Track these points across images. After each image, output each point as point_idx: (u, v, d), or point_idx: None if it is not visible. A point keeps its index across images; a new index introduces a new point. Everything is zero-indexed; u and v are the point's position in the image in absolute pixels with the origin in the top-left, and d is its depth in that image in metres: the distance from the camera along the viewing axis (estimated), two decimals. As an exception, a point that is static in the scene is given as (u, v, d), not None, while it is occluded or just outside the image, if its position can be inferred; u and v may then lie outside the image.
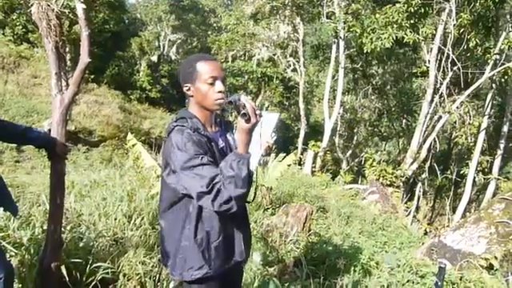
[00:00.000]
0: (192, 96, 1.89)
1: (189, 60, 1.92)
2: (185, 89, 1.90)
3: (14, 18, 19.48)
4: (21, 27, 19.61)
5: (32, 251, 3.01)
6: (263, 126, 1.85)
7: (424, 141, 13.12)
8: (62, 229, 2.90)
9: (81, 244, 3.29)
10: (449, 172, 17.23)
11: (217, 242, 1.88)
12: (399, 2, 11.88)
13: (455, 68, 12.36)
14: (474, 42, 11.89)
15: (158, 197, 2.07)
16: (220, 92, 1.83)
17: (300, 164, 15.75)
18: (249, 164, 1.67)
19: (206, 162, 1.70)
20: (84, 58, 2.69)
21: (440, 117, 12.88)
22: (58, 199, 2.69)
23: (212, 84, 1.82)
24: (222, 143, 1.97)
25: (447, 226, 12.71)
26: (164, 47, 29.67)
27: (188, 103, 1.94)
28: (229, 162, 1.65)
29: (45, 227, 2.95)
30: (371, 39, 12.14)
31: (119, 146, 13.05)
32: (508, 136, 14.77)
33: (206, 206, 1.68)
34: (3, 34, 19.27)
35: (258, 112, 1.66)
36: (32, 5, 2.75)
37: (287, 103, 24.80)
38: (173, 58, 29.85)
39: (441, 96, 12.80)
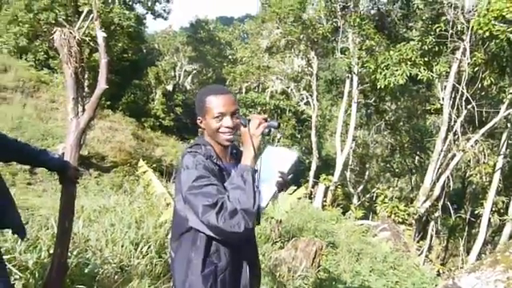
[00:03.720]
0: (204, 129, 1.89)
1: (200, 93, 1.91)
2: (198, 121, 1.90)
3: (37, 44, 20.16)
4: (42, 53, 20.26)
5: (37, 275, 2.97)
6: (279, 161, 1.82)
7: (437, 178, 12.91)
8: (69, 253, 2.87)
9: (86, 270, 3.24)
10: (463, 211, 16.84)
11: (223, 275, 1.82)
12: (413, 40, 12.01)
13: (469, 106, 12.30)
14: (489, 81, 11.87)
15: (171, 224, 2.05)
16: (228, 127, 1.80)
17: (310, 197, 15.57)
18: (254, 175, 1.66)
19: (214, 182, 1.68)
20: (101, 84, 2.74)
21: (454, 155, 12.71)
22: (66, 223, 2.67)
23: (220, 119, 1.80)
24: None
25: (461, 268, 12.29)
26: (179, 77, 30.27)
27: (203, 133, 1.94)
28: (233, 176, 1.69)
29: (51, 251, 2.92)
30: (385, 75, 12.23)
31: (130, 173, 13.07)
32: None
33: (211, 221, 1.59)
34: (26, 59, 19.91)
35: (264, 124, 1.69)
36: (55, 32, 2.84)
37: (299, 136, 24.85)
38: (188, 87, 30.38)
39: (455, 134, 12.69)
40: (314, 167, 18.64)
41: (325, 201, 15.59)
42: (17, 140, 2.39)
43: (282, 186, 1.86)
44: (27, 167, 10.24)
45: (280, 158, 1.84)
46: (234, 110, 1.82)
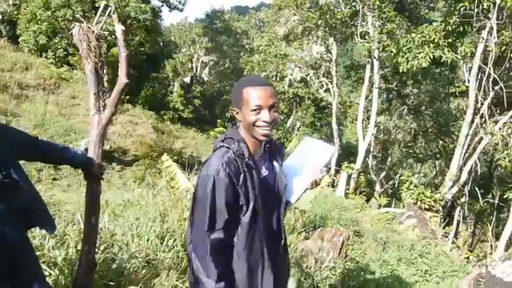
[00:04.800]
0: (240, 121, 1.77)
1: (238, 83, 1.80)
2: (234, 113, 1.79)
3: (56, 41, 20.44)
4: (62, 50, 20.53)
5: (66, 272, 2.97)
6: (315, 157, 1.73)
7: (464, 163, 12.55)
8: (96, 249, 2.85)
9: (113, 265, 3.24)
10: (490, 196, 16.39)
11: (241, 274, 1.74)
12: (436, 21, 11.62)
13: (497, 88, 11.84)
14: (517, 61, 11.42)
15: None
16: (265, 122, 1.68)
17: (333, 186, 15.43)
18: None
19: (214, 215, 1.65)
20: (122, 79, 2.68)
21: (481, 138, 12.31)
22: (92, 219, 2.65)
23: (258, 113, 1.68)
24: (265, 171, 1.82)
25: (490, 254, 11.98)
26: (197, 69, 30.29)
27: (238, 125, 1.82)
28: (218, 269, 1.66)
29: (79, 247, 2.92)
30: (407, 59, 11.89)
31: (152, 166, 13.18)
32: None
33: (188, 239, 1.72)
34: (46, 56, 20.21)
35: None
36: (73, 27, 2.80)
37: (319, 124, 24.63)
38: (205, 79, 30.40)
39: (482, 117, 12.27)
40: (335, 155, 18.44)
41: (347, 189, 15.43)
42: (39, 139, 2.34)
43: (314, 185, 1.77)
44: (52, 163, 10.43)
45: (317, 152, 1.74)
46: (273, 104, 1.70)
